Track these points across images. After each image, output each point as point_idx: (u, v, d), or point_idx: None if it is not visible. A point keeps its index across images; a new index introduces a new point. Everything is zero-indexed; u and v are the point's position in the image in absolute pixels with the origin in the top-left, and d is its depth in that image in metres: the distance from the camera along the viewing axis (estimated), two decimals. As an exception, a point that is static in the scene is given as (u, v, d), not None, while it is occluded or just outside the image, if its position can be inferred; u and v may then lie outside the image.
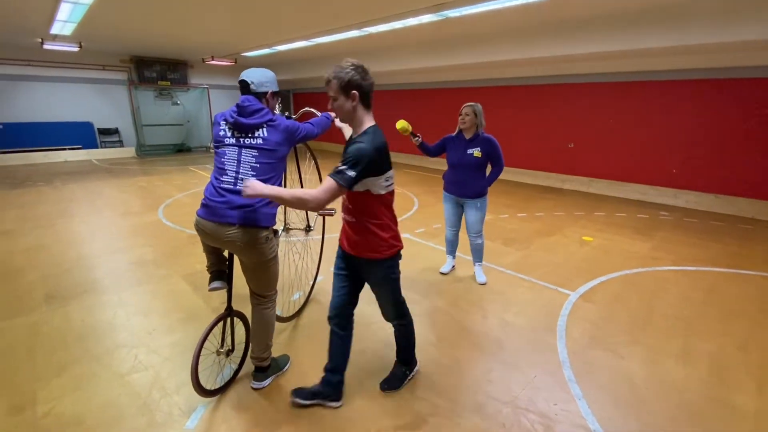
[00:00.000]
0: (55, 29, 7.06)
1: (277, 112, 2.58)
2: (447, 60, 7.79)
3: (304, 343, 2.66)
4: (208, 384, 2.06)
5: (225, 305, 2.16)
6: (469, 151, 3.28)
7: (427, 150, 3.43)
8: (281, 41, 8.37)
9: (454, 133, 3.40)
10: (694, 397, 2.19)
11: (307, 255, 3.79)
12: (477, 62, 7.41)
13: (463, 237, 3.73)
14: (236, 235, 1.81)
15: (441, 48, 7.82)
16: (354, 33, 6.83)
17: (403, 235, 4.79)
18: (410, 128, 3.15)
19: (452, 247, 3.76)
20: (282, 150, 1.93)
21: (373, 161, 1.61)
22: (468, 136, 3.31)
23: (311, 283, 3.35)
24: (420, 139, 3.28)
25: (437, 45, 7.87)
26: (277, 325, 2.79)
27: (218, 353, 2.13)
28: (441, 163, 11.10)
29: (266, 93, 1.98)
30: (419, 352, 2.53)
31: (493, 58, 7.06)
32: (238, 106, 1.88)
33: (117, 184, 7.80)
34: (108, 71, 11.45)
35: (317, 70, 11.42)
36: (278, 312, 2.99)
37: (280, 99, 2.16)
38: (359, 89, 1.65)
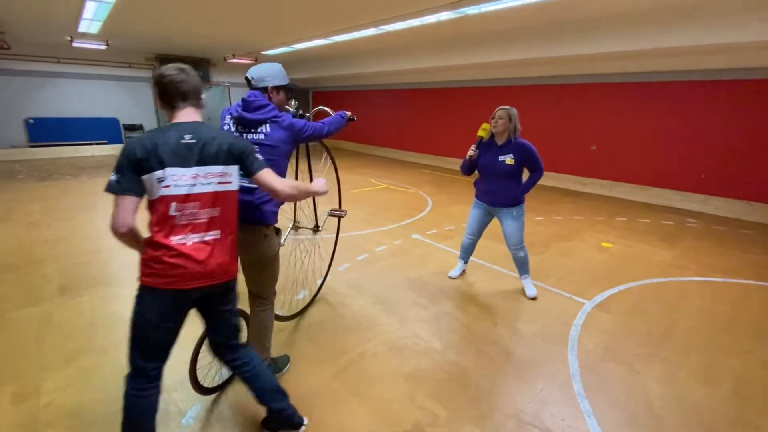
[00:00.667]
0: (83, 27, 7.28)
1: (291, 109, 2.57)
2: (464, 59, 7.65)
3: (303, 344, 2.62)
4: (206, 381, 2.05)
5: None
6: (501, 158, 3.02)
7: (466, 168, 3.19)
8: (300, 39, 8.40)
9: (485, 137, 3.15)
10: (715, 418, 2.05)
11: (315, 253, 3.76)
12: (495, 61, 7.25)
13: (482, 246, 3.63)
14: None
15: (458, 46, 7.69)
16: (371, 31, 6.78)
17: (414, 236, 4.74)
18: (486, 135, 3.06)
19: (466, 254, 3.63)
20: (283, 147, 1.91)
21: (128, 157, 1.35)
22: (500, 141, 3.06)
23: (319, 282, 3.32)
24: (475, 155, 3.08)
25: (454, 43, 7.74)
26: (278, 324, 2.78)
27: None
28: (454, 164, 10.90)
29: (267, 87, 1.96)
30: (421, 358, 2.46)
31: (512, 57, 6.88)
32: (243, 100, 1.89)
33: (138, 178, 8.00)
34: (134, 69, 11.78)
35: (336, 68, 11.45)
36: (281, 312, 2.98)
37: (291, 94, 2.13)
38: (157, 88, 1.48)
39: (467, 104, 9.91)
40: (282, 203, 1.95)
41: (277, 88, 1.99)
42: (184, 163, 1.41)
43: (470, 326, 2.87)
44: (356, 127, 13.88)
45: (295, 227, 2.84)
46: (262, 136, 1.86)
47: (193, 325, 2.73)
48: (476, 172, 3.24)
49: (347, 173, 9.32)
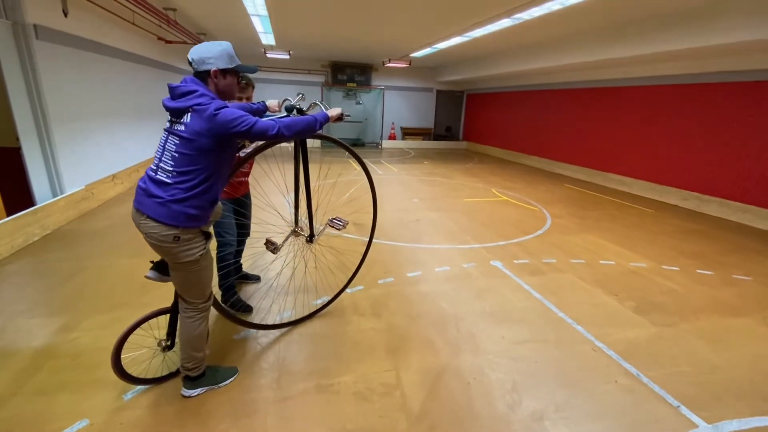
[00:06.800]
0: (263, 39, 8.87)
1: (291, 101, 2.36)
2: (634, 49, 5.93)
3: (275, 356, 2.40)
4: (137, 370, 2.07)
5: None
6: None
7: None
8: (439, 39, 8.14)
9: None
10: None
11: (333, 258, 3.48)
12: (683, 48, 5.33)
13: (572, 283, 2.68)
14: (145, 226, 1.69)
15: (619, 35, 6.01)
16: (506, 22, 5.95)
17: (493, 263, 3.93)
18: None
19: None
20: (201, 141, 1.62)
21: None
22: None
23: (348, 291, 3.05)
24: None
25: (617, 31, 6.08)
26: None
27: (159, 344, 2.12)
28: (615, 182, 8.93)
29: (210, 71, 1.73)
30: (380, 418, 1.91)
31: (720, 41, 4.89)
32: (169, 87, 1.72)
33: (289, 168, 9.30)
34: (311, 74, 13.81)
35: (485, 68, 10.74)
36: (286, 314, 2.85)
37: (244, 81, 1.91)
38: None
39: (639, 107, 7.73)
40: (201, 206, 1.72)
41: (223, 72, 1.75)
42: None
43: (479, 394, 2.10)
44: (503, 132, 12.76)
45: (295, 233, 2.60)
46: (182, 128, 1.64)
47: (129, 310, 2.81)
48: None
49: (473, 180, 8.60)
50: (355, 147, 14.47)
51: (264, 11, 6.02)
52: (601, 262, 4.09)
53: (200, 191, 1.69)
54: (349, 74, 13.91)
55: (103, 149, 5.82)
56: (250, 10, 6.00)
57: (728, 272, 3.98)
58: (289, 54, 11.32)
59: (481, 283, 3.49)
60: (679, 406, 2.09)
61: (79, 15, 5.09)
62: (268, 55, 11.46)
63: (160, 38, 7.91)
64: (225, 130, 1.64)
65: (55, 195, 4.68)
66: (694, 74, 6.54)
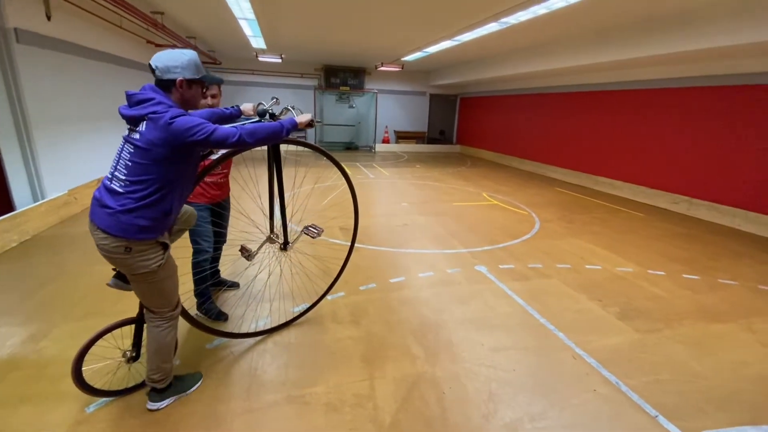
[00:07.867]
0: (254, 43, 8.84)
1: (265, 106, 2.30)
2: (621, 53, 5.94)
3: (245, 365, 2.33)
4: (101, 382, 2.00)
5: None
6: None
7: None
8: (429, 43, 8.14)
9: None
10: None
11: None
12: (670, 53, 5.35)
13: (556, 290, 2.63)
14: (97, 237, 1.63)
15: (606, 39, 6.03)
16: (494, 26, 5.95)
17: (478, 268, 3.88)
18: None
19: None
20: (157, 150, 1.56)
21: None
22: None
23: (329, 298, 2.98)
24: None
25: (604, 35, 6.10)
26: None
27: (124, 355, 2.06)
28: (605, 185, 8.93)
29: (175, 81, 1.66)
30: (348, 430, 1.85)
31: (706, 45, 4.90)
32: (126, 95, 1.66)
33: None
34: (304, 78, 13.77)
35: (475, 72, 10.76)
36: (262, 322, 2.79)
37: (205, 88, 1.83)
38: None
39: (629, 111, 7.74)
40: (153, 217, 1.64)
41: (189, 82, 1.69)
42: None
43: (451, 411, 2.05)
44: (496, 136, 12.77)
45: (270, 240, 2.53)
46: (137, 136, 1.57)
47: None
48: None
49: (464, 183, 8.58)
50: (348, 150, 14.45)
51: (251, 15, 5.99)
52: (587, 267, 4.06)
53: (152, 201, 1.61)
54: (342, 78, 13.89)
55: (88, 153, 5.75)
56: (237, 13, 5.96)
57: (715, 277, 3.96)
58: (281, 57, 11.29)
59: (464, 289, 3.44)
60: (657, 416, 2.04)
61: (63, 18, 5.03)
62: (260, 59, 11.43)
63: (149, 42, 7.86)
64: (181, 139, 1.57)
65: (35, 200, 4.60)
66: (683, 78, 6.56)
